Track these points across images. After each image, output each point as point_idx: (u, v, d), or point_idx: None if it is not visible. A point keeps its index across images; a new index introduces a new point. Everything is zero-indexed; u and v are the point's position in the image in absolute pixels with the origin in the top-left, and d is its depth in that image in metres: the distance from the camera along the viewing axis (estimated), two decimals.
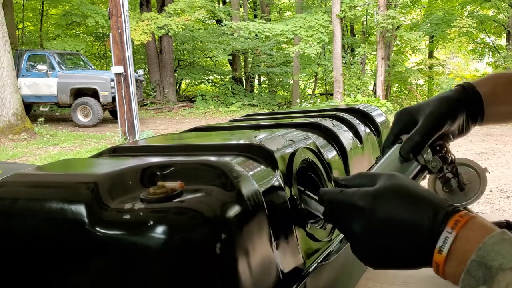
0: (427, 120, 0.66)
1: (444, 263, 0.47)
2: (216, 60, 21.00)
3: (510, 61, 15.18)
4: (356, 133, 1.04)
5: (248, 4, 20.87)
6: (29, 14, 20.09)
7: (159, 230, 0.48)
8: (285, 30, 15.13)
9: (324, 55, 17.15)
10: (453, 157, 0.72)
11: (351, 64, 15.36)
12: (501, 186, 5.36)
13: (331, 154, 0.89)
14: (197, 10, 15.61)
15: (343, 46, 16.15)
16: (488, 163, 6.16)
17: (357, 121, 1.09)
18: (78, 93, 12.33)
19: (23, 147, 9.06)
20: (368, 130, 1.11)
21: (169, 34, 15.64)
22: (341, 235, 0.76)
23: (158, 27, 14.82)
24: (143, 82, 15.15)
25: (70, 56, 13.86)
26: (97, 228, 0.50)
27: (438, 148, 0.69)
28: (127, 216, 0.50)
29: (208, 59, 21.36)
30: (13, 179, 0.62)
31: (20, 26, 19.48)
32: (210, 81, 21.91)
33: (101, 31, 18.78)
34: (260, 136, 0.76)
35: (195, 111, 15.81)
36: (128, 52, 9.08)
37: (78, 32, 19.73)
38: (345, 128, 1.02)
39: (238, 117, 1.28)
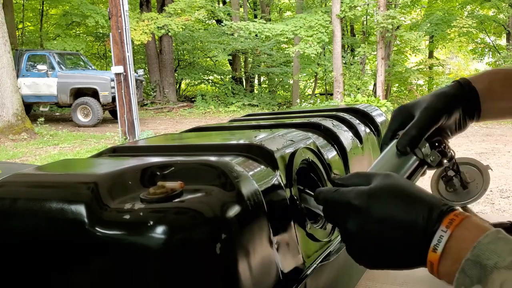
0: (423, 114, 0.66)
1: (438, 262, 0.47)
2: (216, 60, 21.00)
3: (510, 61, 15.19)
4: (356, 133, 1.04)
5: (248, 4, 20.87)
6: (29, 14, 20.09)
7: (159, 230, 0.48)
8: (285, 30, 15.13)
9: (324, 55, 17.15)
10: (453, 153, 0.72)
11: (351, 64, 15.36)
12: (501, 186, 5.36)
13: (331, 154, 0.89)
14: (197, 10, 15.61)
15: (343, 46, 16.16)
16: (488, 163, 6.13)
17: (357, 121, 1.09)
18: (78, 93, 12.33)
19: (23, 147, 9.06)
20: (368, 130, 1.11)
21: (169, 34, 15.64)
22: None
23: (158, 27, 14.82)
24: (143, 82, 15.15)
25: (70, 56, 13.86)
26: (97, 228, 0.50)
27: (436, 143, 0.69)
28: (127, 216, 0.50)
29: (208, 59, 21.37)
30: (13, 179, 0.62)
31: (20, 26, 19.48)
32: (210, 81, 21.91)
33: (101, 31, 18.78)
34: (260, 136, 0.76)
35: (195, 111, 15.81)
36: (128, 52, 9.08)
37: (78, 32, 19.73)
38: (345, 128, 1.02)
39: (238, 117, 1.28)
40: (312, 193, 0.68)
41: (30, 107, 13.34)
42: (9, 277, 0.56)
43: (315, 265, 0.68)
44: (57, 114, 14.79)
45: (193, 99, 18.38)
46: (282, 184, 0.66)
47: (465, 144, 8.17)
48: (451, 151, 0.71)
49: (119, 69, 9.05)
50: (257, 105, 17.12)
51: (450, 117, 0.67)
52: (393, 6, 15.16)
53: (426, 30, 16.71)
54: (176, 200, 0.51)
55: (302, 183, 0.72)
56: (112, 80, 10.57)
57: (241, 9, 19.35)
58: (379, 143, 1.14)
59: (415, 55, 20.09)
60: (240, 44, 17.49)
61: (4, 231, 0.56)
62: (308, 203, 0.68)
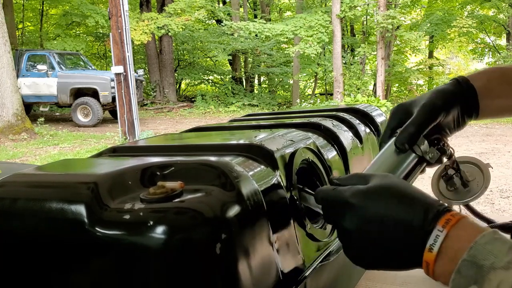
0: (421, 111, 0.66)
1: (434, 262, 0.47)
2: (216, 60, 21.00)
3: (510, 61, 15.19)
4: (356, 133, 1.04)
5: (248, 4, 20.87)
6: (29, 14, 20.09)
7: (159, 230, 0.48)
8: (285, 30, 15.13)
9: (324, 55, 17.15)
10: (452, 151, 0.72)
11: (351, 64, 15.36)
12: (501, 186, 5.36)
13: (331, 154, 0.89)
14: (197, 10, 15.61)
15: (343, 46, 16.16)
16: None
17: (357, 121, 1.09)
18: (78, 93, 12.33)
19: (23, 147, 9.06)
20: (368, 130, 1.11)
21: (169, 34, 15.64)
22: None
23: (158, 27, 14.82)
24: (143, 82, 15.15)
25: (70, 56, 13.86)
26: (97, 228, 0.50)
27: (435, 141, 0.69)
28: (127, 216, 0.50)
29: (208, 59, 21.37)
30: (13, 179, 0.62)
31: (20, 26, 19.48)
32: (210, 81, 21.91)
33: (101, 31, 18.78)
34: (260, 136, 0.76)
35: (195, 111, 15.81)
36: (128, 52, 9.08)
37: (78, 32, 19.73)
38: (345, 128, 1.02)
39: (238, 117, 1.28)
40: (312, 192, 0.68)
41: (30, 107, 13.34)
42: (9, 277, 0.56)
43: (315, 265, 0.68)
44: (57, 114, 14.80)
45: (193, 99, 18.38)
46: (282, 184, 0.66)
47: (465, 144, 8.17)
48: (450, 148, 0.71)
49: (119, 69, 9.05)
50: (257, 105, 17.12)
51: (448, 114, 0.67)
52: (393, 6, 15.16)
53: (426, 30, 16.72)
54: (176, 200, 0.51)
55: (302, 183, 0.72)
56: (112, 80, 10.57)
57: (241, 9, 19.36)
58: (379, 143, 1.14)
59: (415, 55, 20.10)
60: (240, 44, 17.49)
61: (4, 231, 0.56)
62: (309, 202, 0.68)
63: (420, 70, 18.33)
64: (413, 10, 19.24)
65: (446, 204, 0.50)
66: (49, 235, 0.54)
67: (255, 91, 20.39)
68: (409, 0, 16.37)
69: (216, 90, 20.59)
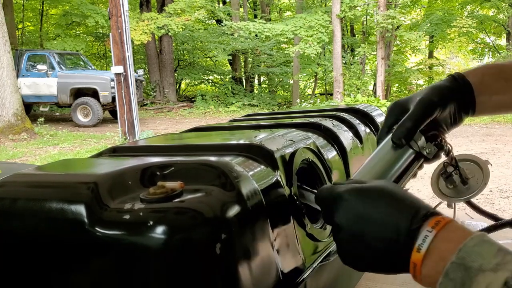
0: (418, 107, 0.66)
1: (421, 262, 0.47)
2: (216, 60, 21.00)
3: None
4: (356, 133, 1.04)
5: (248, 4, 20.87)
6: (29, 14, 20.09)
7: (159, 230, 0.48)
8: (285, 30, 15.13)
9: (324, 55, 17.15)
10: (450, 147, 0.72)
11: (351, 64, 15.36)
12: (501, 186, 5.36)
13: (331, 154, 0.89)
14: (197, 10, 15.61)
15: (343, 46, 16.16)
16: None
17: (357, 121, 1.09)
18: (78, 93, 12.33)
19: (23, 147, 9.06)
20: (368, 130, 1.11)
21: (169, 34, 15.64)
22: None
23: (158, 27, 14.82)
24: (143, 82, 15.15)
25: (70, 56, 13.86)
26: (97, 228, 0.50)
27: (432, 137, 0.69)
28: (127, 216, 0.50)
29: (208, 59, 21.36)
30: (13, 179, 0.62)
31: (20, 26, 19.48)
32: (210, 81, 21.91)
33: (101, 31, 18.78)
34: (260, 136, 0.76)
35: (195, 111, 15.81)
36: (128, 52, 9.08)
37: (78, 32, 19.73)
38: (345, 128, 1.02)
39: (238, 117, 1.28)
40: (312, 190, 0.69)
41: (30, 107, 13.34)
42: (9, 277, 0.56)
43: (315, 265, 0.68)
44: (57, 114, 14.79)
45: (193, 99, 18.38)
46: (282, 184, 0.66)
47: (465, 144, 8.17)
48: (448, 145, 0.71)
49: (119, 69, 9.05)
50: (257, 105, 17.12)
51: (444, 110, 0.67)
52: (393, 6, 15.16)
53: (426, 30, 16.71)
54: (176, 200, 0.51)
55: (302, 183, 0.72)
56: (112, 80, 10.57)
57: (241, 9, 19.35)
58: (376, 140, 1.14)
59: (415, 55, 20.09)
60: (240, 44, 17.49)
61: (4, 231, 0.56)
62: (308, 200, 0.68)
63: (420, 70, 18.33)
64: (413, 10, 19.23)
65: (436, 210, 0.50)
66: (49, 235, 0.54)
67: (255, 91, 20.39)
68: (409, 0, 16.36)
69: (216, 90, 20.59)
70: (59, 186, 0.60)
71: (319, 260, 0.70)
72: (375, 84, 15.72)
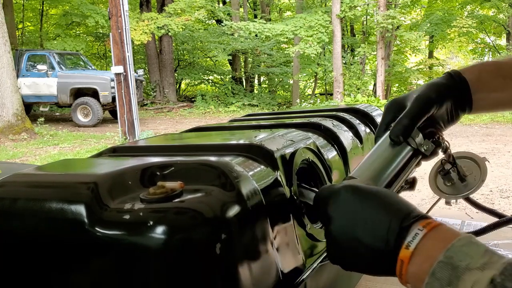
0: (415, 104, 0.67)
1: (409, 259, 0.47)
2: (216, 60, 21.00)
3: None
4: (356, 133, 1.04)
5: (248, 4, 20.87)
6: (29, 14, 20.09)
7: (159, 230, 0.48)
8: (285, 30, 15.13)
9: (324, 55, 17.15)
10: (448, 144, 0.72)
11: (351, 64, 15.36)
12: (501, 186, 5.36)
13: (331, 154, 0.89)
14: (197, 10, 15.61)
15: (343, 46, 16.16)
16: (488, 163, 6.13)
17: (357, 121, 1.09)
18: (78, 93, 12.33)
19: (23, 147, 9.06)
20: (368, 130, 1.11)
21: (169, 34, 15.64)
22: None
23: (158, 27, 14.82)
24: (143, 82, 15.15)
25: (70, 56, 13.86)
26: (97, 228, 0.50)
27: (430, 134, 0.69)
28: (127, 216, 0.50)
29: (208, 59, 21.36)
30: (13, 179, 0.62)
31: (20, 26, 19.48)
32: (210, 81, 21.91)
33: (101, 31, 18.78)
34: (260, 136, 0.76)
35: (195, 111, 15.81)
36: (128, 52, 9.08)
37: (78, 32, 19.73)
38: (345, 128, 1.02)
39: (238, 117, 1.28)
40: (312, 188, 0.69)
41: (30, 107, 13.34)
42: (9, 277, 0.56)
43: (315, 265, 0.68)
44: (57, 114, 14.80)
45: (193, 99, 18.38)
46: (282, 184, 0.66)
47: (465, 144, 8.17)
48: (445, 142, 0.71)
49: (119, 69, 9.05)
50: (257, 105, 17.12)
51: (441, 106, 0.67)
52: (393, 6, 15.16)
53: (426, 30, 16.71)
54: (176, 200, 0.51)
55: (302, 183, 0.72)
56: (112, 80, 10.57)
57: (241, 9, 19.35)
58: (374, 138, 1.14)
59: (415, 55, 20.09)
60: (240, 44, 17.49)
61: (4, 231, 0.56)
62: (309, 199, 0.69)
63: (420, 70, 18.32)
64: (413, 10, 19.23)
65: (428, 215, 0.51)
66: (49, 235, 0.54)
67: (255, 91, 20.39)
68: (409, 0, 16.36)
69: (216, 90, 20.59)
70: (59, 186, 0.60)
71: (319, 260, 0.70)
72: (375, 84, 15.73)
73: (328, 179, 0.80)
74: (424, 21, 17.63)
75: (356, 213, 0.52)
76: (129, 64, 9.10)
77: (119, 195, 0.54)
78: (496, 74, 0.71)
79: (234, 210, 0.53)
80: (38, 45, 17.75)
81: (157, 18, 15.09)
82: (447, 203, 0.81)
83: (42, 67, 12.44)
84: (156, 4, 17.72)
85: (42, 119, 11.75)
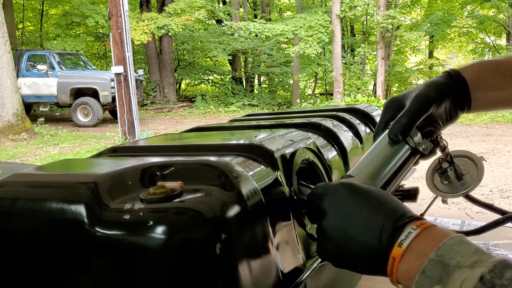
0: (414, 103, 0.67)
1: (401, 257, 0.47)
2: (216, 60, 21.00)
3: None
4: (356, 133, 1.04)
5: (248, 4, 20.86)
6: (29, 14, 20.09)
7: (159, 230, 0.48)
8: (285, 30, 15.13)
9: (324, 55, 17.15)
10: (446, 143, 0.73)
11: (351, 64, 15.36)
12: (501, 186, 5.36)
13: (331, 154, 0.89)
14: (197, 10, 15.61)
15: (343, 46, 16.16)
16: (488, 163, 6.15)
17: (357, 121, 1.09)
18: (78, 93, 12.33)
19: (23, 147, 9.06)
20: (368, 130, 1.11)
21: (169, 34, 15.64)
22: None
23: (158, 27, 14.82)
24: (143, 82, 15.15)
25: (70, 56, 13.86)
26: (97, 228, 0.50)
27: (428, 133, 0.69)
28: (127, 216, 0.50)
29: (208, 59, 21.36)
30: (13, 179, 0.62)
31: (20, 26, 19.48)
32: (210, 81, 21.91)
33: (101, 31, 18.78)
34: (260, 136, 0.76)
35: (195, 111, 15.81)
36: (128, 52, 9.08)
37: (78, 32, 19.73)
38: (345, 128, 1.02)
39: (238, 117, 1.28)
40: (311, 186, 0.70)
41: (30, 107, 13.34)
42: (9, 277, 0.56)
43: (315, 265, 0.68)
44: (57, 114, 14.80)
45: (193, 99, 18.38)
46: (282, 184, 0.66)
47: (465, 144, 8.17)
48: (444, 141, 0.72)
49: (119, 69, 9.05)
50: (257, 105, 17.12)
51: (440, 106, 0.67)
52: (393, 6, 15.16)
53: (426, 30, 16.71)
54: (176, 200, 0.51)
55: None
56: (112, 80, 10.57)
57: (241, 9, 19.35)
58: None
59: (415, 55, 20.09)
60: (240, 44, 17.49)
61: (4, 231, 0.56)
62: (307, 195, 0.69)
63: (420, 70, 18.32)
64: (413, 10, 19.23)
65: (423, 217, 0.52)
66: (49, 235, 0.54)
67: (255, 91, 20.39)
68: (409, 0, 16.36)
69: (216, 90, 20.59)
70: (59, 186, 0.60)
71: (319, 260, 0.70)
72: (375, 84, 15.73)
73: (328, 179, 0.80)
74: (424, 21, 17.63)
75: (351, 210, 0.53)
76: (129, 64, 9.10)
77: (119, 195, 0.54)
78: (495, 73, 0.71)
79: (234, 210, 0.53)
80: (38, 45, 17.76)
81: (157, 18, 15.09)
82: (444, 201, 0.81)
83: (42, 67, 12.44)
84: (156, 4, 17.72)
85: (42, 119, 11.75)
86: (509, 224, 0.83)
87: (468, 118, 11.09)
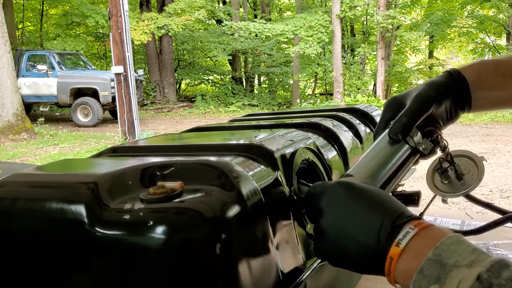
0: (414, 102, 0.67)
1: (398, 257, 0.47)
2: (216, 60, 21.00)
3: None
4: (356, 133, 1.04)
5: (248, 4, 20.86)
6: (29, 14, 20.09)
7: (159, 230, 0.48)
8: (285, 30, 15.13)
9: (324, 55, 17.15)
10: (446, 143, 0.73)
11: (351, 64, 15.37)
12: (501, 186, 5.36)
13: (331, 154, 0.89)
14: (197, 10, 15.61)
15: (343, 46, 16.16)
16: (488, 163, 6.14)
17: (357, 121, 1.09)
18: (78, 93, 12.33)
19: (23, 147, 9.06)
20: (368, 130, 1.11)
21: (169, 34, 15.64)
22: None
23: (158, 27, 14.82)
24: (143, 82, 15.15)
25: (70, 56, 13.86)
26: (97, 228, 0.50)
27: (429, 133, 0.69)
28: (127, 216, 0.50)
29: (208, 59, 21.36)
30: (13, 179, 0.62)
31: (20, 26, 19.48)
32: (210, 81, 21.91)
33: (101, 31, 18.78)
34: (260, 136, 0.76)
35: (195, 111, 15.81)
36: (128, 52, 9.08)
37: (78, 32, 19.73)
38: (345, 128, 1.02)
39: (238, 117, 1.28)
40: (311, 184, 0.70)
41: (30, 107, 13.34)
42: (9, 277, 0.56)
43: (315, 265, 0.68)
44: (57, 114, 14.79)
45: (193, 99, 18.38)
46: (282, 184, 0.66)
47: (465, 144, 8.17)
48: (444, 141, 0.72)
49: (119, 69, 9.05)
50: (257, 105, 17.12)
51: (440, 105, 0.67)
52: (393, 6, 15.16)
53: (426, 30, 16.71)
54: (176, 200, 0.51)
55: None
56: (112, 80, 10.57)
57: (241, 9, 19.35)
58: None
59: (415, 55, 20.09)
60: (240, 44, 17.49)
61: (4, 231, 0.56)
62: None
63: (420, 70, 18.32)
64: (413, 10, 19.23)
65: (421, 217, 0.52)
66: (49, 235, 0.54)
67: (255, 91, 20.39)
68: (409, 0, 16.36)
69: (216, 90, 20.59)
70: (59, 186, 0.60)
71: (319, 260, 0.70)
72: (375, 84, 15.73)
73: (328, 179, 0.80)
74: (424, 21, 17.63)
75: (349, 209, 0.53)
76: (129, 64, 9.10)
77: (119, 195, 0.54)
78: (496, 72, 0.71)
79: (234, 210, 0.53)
80: (38, 45, 17.75)
81: (157, 18, 15.09)
82: (444, 201, 0.81)
83: (42, 67, 12.44)
84: (156, 4, 17.72)
85: (42, 119, 11.75)
86: (509, 224, 0.83)
87: (468, 118, 11.09)
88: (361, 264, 0.51)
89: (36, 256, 0.54)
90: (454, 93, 0.68)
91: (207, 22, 20.67)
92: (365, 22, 18.51)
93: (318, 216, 0.55)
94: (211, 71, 21.28)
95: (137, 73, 11.80)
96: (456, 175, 0.78)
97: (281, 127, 0.89)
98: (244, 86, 20.00)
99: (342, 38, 15.29)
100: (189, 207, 0.51)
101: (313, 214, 0.57)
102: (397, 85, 18.97)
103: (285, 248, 0.63)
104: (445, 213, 1.63)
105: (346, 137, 0.98)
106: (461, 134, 9.24)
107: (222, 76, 21.20)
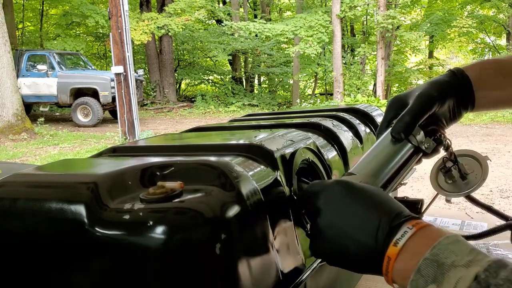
0: (417, 101, 0.67)
1: (396, 256, 0.47)
2: (216, 60, 21.00)
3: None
4: (356, 133, 1.04)
5: (248, 4, 20.86)
6: (29, 14, 20.09)
7: (159, 230, 0.48)
8: (285, 30, 15.13)
9: (324, 55, 17.15)
10: (449, 142, 0.72)
11: (351, 64, 15.36)
12: (501, 186, 5.36)
13: (331, 154, 0.89)
14: (197, 10, 15.61)
15: (343, 46, 16.16)
16: (488, 163, 6.12)
17: (357, 121, 1.09)
18: (78, 93, 12.33)
19: (23, 147, 9.06)
20: (368, 130, 1.11)
21: (169, 34, 15.64)
22: None
23: (158, 27, 14.83)
24: (143, 82, 15.15)
25: (70, 56, 13.86)
26: (97, 228, 0.50)
27: (432, 132, 0.69)
28: (127, 216, 0.50)
29: (208, 59, 21.36)
30: (13, 179, 0.62)
31: (20, 26, 19.48)
32: (210, 81, 21.91)
33: (101, 31, 18.79)
34: (260, 136, 0.76)
35: (195, 111, 15.81)
36: (128, 52, 9.08)
37: (78, 32, 19.73)
38: (345, 128, 1.02)
39: (238, 117, 1.28)
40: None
41: (30, 107, 13.34)
42: (9, 277, 0.56)
43: (315, 265, 0.68)
44: (57, 114, 14.79)
45: (193, 99, 18.38)
46: (282, 184, 0.66)
47: (465, 144, 8.17)
48: (447, 140, 0.71)
49: (119, 69, 9.05)
50: (257, 105, 17.12)
51: (443, 104, 0.67)
52: (393, 6, 15.16)
53: (426, 30, 16.71)
54: (176, 200, 0.51)
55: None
56: (112, 80, 10.57)
57: (241, 9, 19.35)
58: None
59: (415, 55, 20.09)
60: (240, 44, 17.49)
61: (4, 231, 0.56)
62: None
63: (420, 70, 18.32)
64: (413, 10, 19.23)
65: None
66: (49, 235, 0.54)
67: (255, 91, 20.39)
68: (409, 0, 16.36)
69: (216, 90, 20.59)
70: (59, 186, 0.60)
71: (319, 260, 0.70)
72: (375, 84, 15.72)
73: (328, 179, 0.79)
74: (424, 21, 17.63)
75: (346, 208, 0.52)
76: (129, 64, 9.10)
77: (119, 195, 0.54)
78: (497, 72, 0.71)
79: (234, 210, 0.53)
80: (38, 45, 17.76)
81: (157, 18, 15.09)
82: (448, 201, 0.81)
83: (42, 67, 12.44)
84: (156, 4, 17.72)
85: (42, 119, 11.75)
86: None
87: (468, 118, 11.09)
88: (359, 263, 0.51)
89: (36, 256, 0.54)
90: (457, 92, 0.68)
91: (207, 22, 20.67)
92: (365, 22, 18.51)
93: (315, 215, 0.55)
94: (211, 71, 21.28)
95: (137, 73, 11.80)
96: (460, 174, 0.78)
97: (281, 127, 0.89)
98: (244, 86, 20.00)
99: (342, 38, 15.29)
100: (189, 207, 0.51)
101: (310, 212, 0.57)
102: (397, 85, 18.97)
103: (285, 248, 0.63)
104: (445, 213, 1.62)
105: (346, 137, 0.98)
106: (461, 134, 9.24)
107: (222, 76, 21.20)
